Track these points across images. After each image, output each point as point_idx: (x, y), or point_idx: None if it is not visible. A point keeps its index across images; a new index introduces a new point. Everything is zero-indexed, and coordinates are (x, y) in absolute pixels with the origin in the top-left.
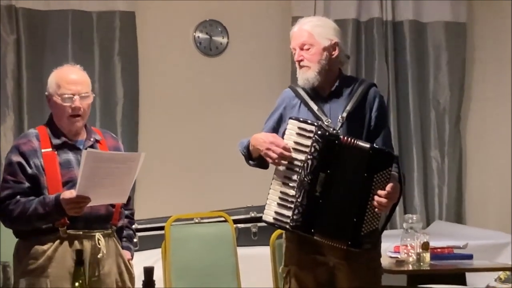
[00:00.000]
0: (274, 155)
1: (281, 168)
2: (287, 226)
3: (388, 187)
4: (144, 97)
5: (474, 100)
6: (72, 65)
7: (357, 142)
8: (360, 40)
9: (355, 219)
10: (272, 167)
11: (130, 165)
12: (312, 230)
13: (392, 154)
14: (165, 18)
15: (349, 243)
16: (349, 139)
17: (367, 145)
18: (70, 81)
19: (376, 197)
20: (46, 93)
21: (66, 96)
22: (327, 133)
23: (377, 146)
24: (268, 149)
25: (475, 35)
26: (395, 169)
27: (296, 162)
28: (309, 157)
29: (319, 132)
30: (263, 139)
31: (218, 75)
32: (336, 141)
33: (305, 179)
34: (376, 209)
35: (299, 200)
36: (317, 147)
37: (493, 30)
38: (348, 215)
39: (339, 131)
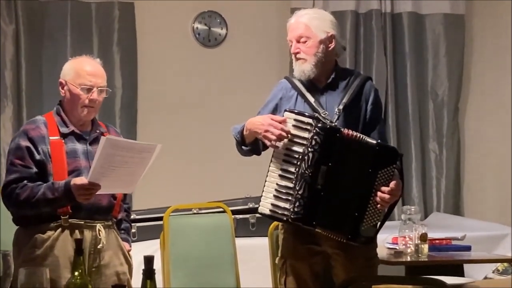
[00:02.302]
0: (273, 137)
1: (278, 160)
2: (285, 218)
3: (392, 184)
4: (142, 87)
5: (472, 92)
6: (91, 57)
7: (363, 137)
8: (359, 32)
9: (356, 213)
10: (267, 158)
11: (145, 155)
12: (314, 223)
13: (397, 151)
14: (164, 9)
15: (349, 236)
16: (352, 133)
17: (374, 141)
18: (90, 72)
19: (379, 193)
20: (61, 80)
21: (86, 87)
22: (328, 126)
23: (383, 143)
24: (266, 131)
25: (473, 27)
26: (397, 165)
27: (293, 154)
28: (310, 149)
29: (319, 125)
30: (260, 122)
31: (217, 66)
32: (338, 134)
33: (306, 172)
34: (379, 205)
35: (299, 192)
36: (318, 140)
37: (491, 21)
38: (349, 209)
39: (335, 123)
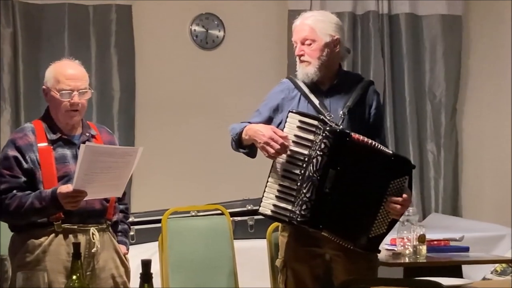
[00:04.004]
0: (271, 150)
1: (281, 161)
2: (287, 220)
3: (405, 195)
4: (140, 90)
5: (470, 93)
6: (71, 60)
7: (377, 145)
8: (356, 33)
9: (365, 221)
10: (267, 160)
11: (127, 159)
12: (321, 226)
13: (411, 163)
14: (162, 12)
15: (357, 243)
16: (363, 138)
17: (390, 151)
18: (69, 76)
19: (391, 204)
20: (44, 86)
21: (65, 92)
22: (337, 130)
23: (398, 154)
24: (266, 143)
25: (471, 28)
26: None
27: (297, 156)
28: (318, 152)
29: (328, 128)
30: (262, 133)
31: (214, 68)
32: (347, 138)
33: (314, 175)
34: (390, 215)
35: (307, 195)
36: (327, 143)
37: (488, 22)
38: (359, 216)
39: (341, 126)
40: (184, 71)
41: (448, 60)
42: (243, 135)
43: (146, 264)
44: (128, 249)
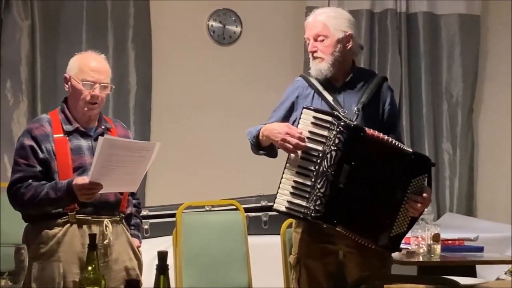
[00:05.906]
0: (290, 146)
1: (295, 157)
2: (302, 216)
3: (425, 193)
4: (157, 84)
5: (487, 93)
6: (97, 53)
7: (396, 143)
8: (374, 31)
9: (387, 221)
10: (281, 156)
11: (144, 154)
12: (335, 221)
13: (431, 161)
14: (179, 7)
15: (378, 243)
16: (378, 134)
17: (409, 150)
18: (94, 68)
19: (412, 203)
20: (66, 75)
21: (87, 82)
22: (352, 125)
23: (418, 152)
24: (283, 139)
25: (489, 27)
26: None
27: (312, 152)
28: (332, 148)
29: (342, 123)
30: (277, 130)
31: (231, 63)
32: (362, 134)
33: (329, 170)
34: (411, 214)
35: (321, 191)
36: (341, 138)
37: (507, 22)
38: (378, 213)
39: (355, 122)
40: (201, 66)
41: (465, 59)
42: (260, 137)
43: (162, 256)
44: (140, 242)
